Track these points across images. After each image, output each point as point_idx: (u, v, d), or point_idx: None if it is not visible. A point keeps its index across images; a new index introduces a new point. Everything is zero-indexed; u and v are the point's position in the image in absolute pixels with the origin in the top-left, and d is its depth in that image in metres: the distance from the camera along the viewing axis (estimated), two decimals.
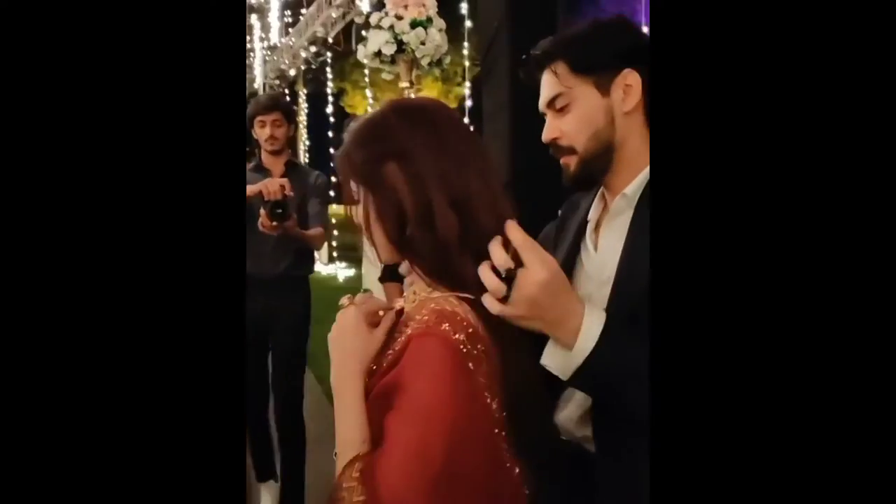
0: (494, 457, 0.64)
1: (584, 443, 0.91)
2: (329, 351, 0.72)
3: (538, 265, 0.64)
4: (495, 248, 0.64)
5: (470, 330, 0.64)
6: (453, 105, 15.56)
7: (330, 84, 6.04)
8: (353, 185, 0.73)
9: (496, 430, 0.65)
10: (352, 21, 4.92)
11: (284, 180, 2.08)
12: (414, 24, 2.77)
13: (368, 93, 5.10)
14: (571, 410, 0.92)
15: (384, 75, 3.11)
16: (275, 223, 1.97)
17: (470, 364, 0.63)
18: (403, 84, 3.01)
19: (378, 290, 2.54)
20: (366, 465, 0.63)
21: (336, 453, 0.66)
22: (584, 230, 0.97)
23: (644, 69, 0.86)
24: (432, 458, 0.59)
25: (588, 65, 0.86)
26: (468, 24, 3.58)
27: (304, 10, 5.92)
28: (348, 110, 15.85)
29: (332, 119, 6.27)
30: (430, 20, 2.82)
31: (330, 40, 5.40)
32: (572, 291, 0.69)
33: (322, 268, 6.82)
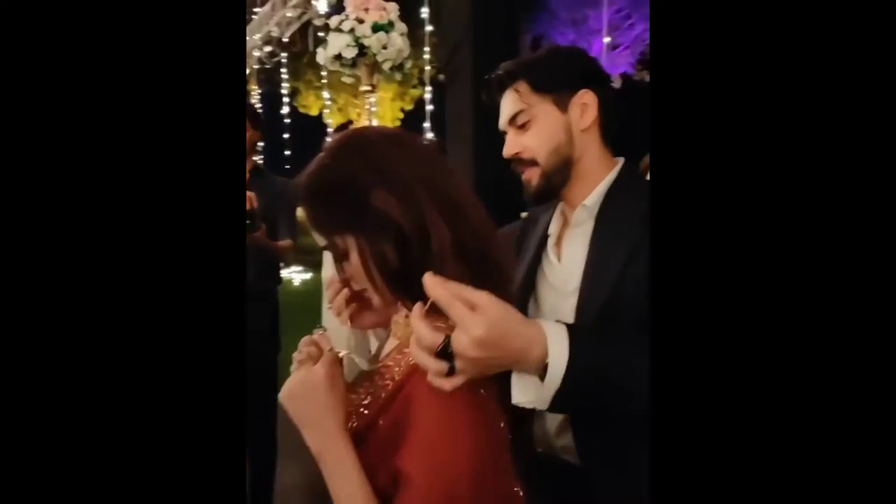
0: (508, 482, 0.64)
1: (562, 454, 0.92)
2: (294, 414, 0.66)
3: (469, 320, 0.58)
4: (419, 327, 0.59)
5: None
6: (409, 107, 15.51)
7: (285, 84, 5.93)
8: (336, 241, 0.68)
9: (508, 456, 0.64)
10: (308, 21, 4.85)
11: (251, 194, 2.04)
12: (376, 28, 2.75)
13: (325, 94, 5.03)
14: (548, 420, 0.93)
15: (344, 78, 3.08)
16: (245, 228, 1.93)
17: (482, 390, 0.62)
18: (364, 87, 2.98)
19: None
20: None
21: None
22: (545, 244, 1.02)
23: (598, 90, 0.95)
24: (460, 497, 0.57)
25: (548, 84, 0.93)
26: (428, 28, 3.59)
27: (257, 9, 5.80)
28: (301, 110, 15.61)
29: (286, 120, 6.17)
30: (391, 24, 2.80)
31: (285, 40, 5.30)
32: (523, 321, 0.63)
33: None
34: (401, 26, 2.85)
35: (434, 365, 0.58)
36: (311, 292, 3.65)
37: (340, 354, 0.73)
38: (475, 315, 0.58)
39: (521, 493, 0.65)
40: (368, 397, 0.68)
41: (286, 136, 6.02)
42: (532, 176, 0.95)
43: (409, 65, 2.98)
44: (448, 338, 0.58)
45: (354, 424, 0.67)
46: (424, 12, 3.44)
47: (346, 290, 0.78)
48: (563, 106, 0.93)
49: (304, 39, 4.89)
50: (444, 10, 2.80)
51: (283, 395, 0.67)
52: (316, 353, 0.71)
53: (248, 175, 2.22)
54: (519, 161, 0.95)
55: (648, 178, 1.80)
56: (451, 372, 0.58)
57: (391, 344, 0.74)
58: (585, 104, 0.93)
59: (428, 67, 3.63)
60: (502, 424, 0.64)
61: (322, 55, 2.88)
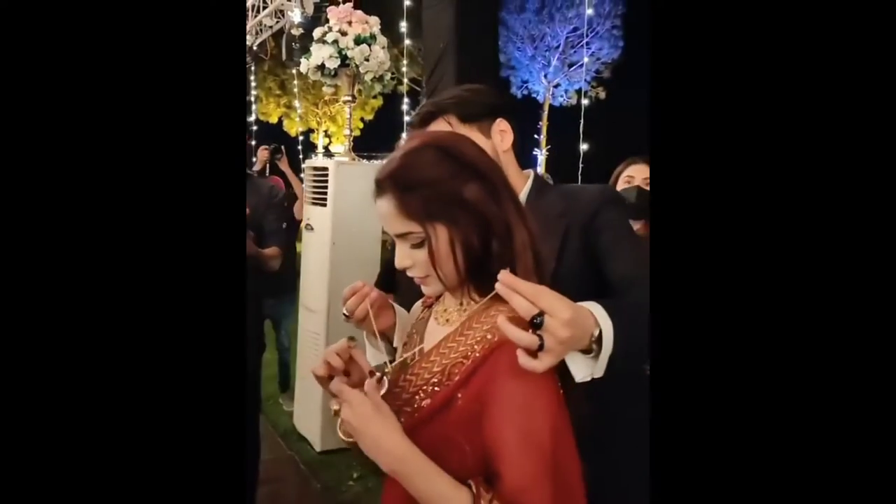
0: (574, 447, 0.73)
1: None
2: (358, 436, 0.71)
3: (559, 307, 0.68)
4: (515, 299, 0.67)
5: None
6: (369, 116, 15.49)
7: (254, 91, 5.91)
8: (415, 228, 0.75)
9: (570, 424, 0.74)
10: (280, 30, 4.88)
11: None
12: (358, 41, 2.83)
13: (296, 103, 5.05)
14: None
15: (325, 88, 3.14)
16: (246, 231, 1.94)
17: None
18: (346, 97, 3.05)
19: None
20: (495, 496, 0.66)
21: None
22: None
23: (509, 118, 1.17)
24: (547, 455, 0.67)
25: (472, 116, 1.14)
26: (407, 42, 3.70)
27: None
28: (261, 118, 15.44)
29: (254, 127, 6.14)
30: (373, 37, 2.89)
31: (255, 48, 5.32)
32: (582, 307, 0.74)
33: None
34: (382, 39, 2.94)
35: (528, 338, 0.66)
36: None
37: (377, 371, 0.78)
38: (561, 300, 0.68)
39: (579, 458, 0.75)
40: (437, 375, 0.76)
41: (253, 142, 5.98)
42: None
43: (388, 77, 3.07)
44: (541, 313, 0.66)
45: (427, 402, 0.75)
46: (403, 26, 3.56)
47: (373, 295, 0.87)
48: (486, 133, 1.14)
49: (277, 48, 4.90)
50: (426, 27, 2.91)
51: (344, 433, 0.72)
52: (340, 364, 0.76)
53: None
54: None
55: (622, 184, 1.92)
56: (539, 348, 0.66)
57: (441, 329, 0.82)
58: (503, 131, 1.15)
59: (406, 80, 3.73)
60: (560, 389, 0.74)
61: (305, 65, 2.94)
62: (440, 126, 1.12)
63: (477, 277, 0.77)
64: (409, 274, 0.80)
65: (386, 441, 0.70)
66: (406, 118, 3.77)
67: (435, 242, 0.75)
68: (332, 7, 2.92)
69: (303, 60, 2.95)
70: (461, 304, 0.81)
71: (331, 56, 2.84)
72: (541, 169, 16.44)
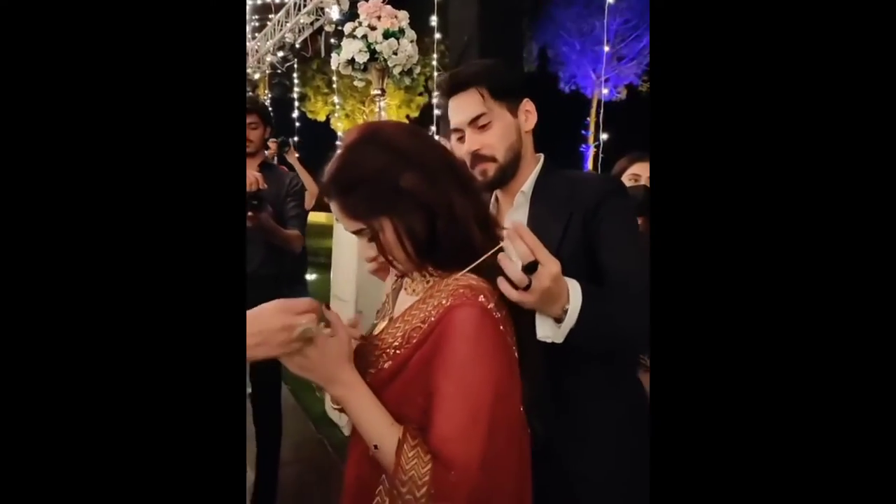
0: (517, 404, 0.77)
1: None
2: (315, 377, 0.76)
3: (551, 261, 0.79)
4: (518, 244, 0.77)
5: (495, 299, 0.77)
6: (414, 114, 15.64)
7: (297, 89, 6.08)
8: (361, 226, 0.79)
9: (518, 382, 0.78)
10: (320, 28, 5.01)
11: (259, 174, 2.13)
12: (387, 35, 2.89)
13: (336, 99, 5.17)
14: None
15: (356, 82, 3.21)
16: (249, 213, 2.01)
17: (501, 326, 0.75)
18: (375, 91, 3.11)
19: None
20: (424, 437, 0.71)
21: (375, 446, 0.74)
22: None
23: (534, 99, 1.17)
24: (483, 413, 0.70)
25: (502, 92, 1.14)
26: (437, 35, 3.74)
27: (271, 16, 5.99)
28: (309, 115, 15.80)
29: (297, 123, 6.31)
30: (402, 31, 2.94)
31: (297, 46, 5.46)
32: (563, 278, 0.84)
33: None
34: (410, 33, 2.99)
35: (519, 275, 0.76)
36: (323, 294, 3.76)
37: (353, 318, 0.85)
38: (553, 258, 0.78)
39: (525, 414, 0.78)
40: (399, 339, 0.80)
41: (296, 139, 6.15)
42: (489, 168, 1.14)
43: (417, 70, 3.12)
44: (536, 262, 0.75)
45: (388, 364, 0.79)
46: (433, 20, 3.59)
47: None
48: (513, 111, 1.15)
49: (316, 45, 5.03)
50: (452, 19, 2.94)
51: (297, 367, 0.76)
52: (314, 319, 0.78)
53: (257, 168, 2.30)
54: (477, 156, 1.13)
55: (627, 181, 1.90)
56: (526, 288, 0.76)
57: (408, 299, 0.86)
58: (528, 111, 1.17)
59: (436, 74, 3.77)
60: (515, 355, 0.77)
61: (335, 59, 3.02)
62: (471, 97, 1.12)
63: (430, 256, 0.81)
64: (385, 258, 0.84)
65: (337, 369, 0.76)
66: (436, 112, 3.82)
67: (382, 235, 0.79)
68: (363, 2, 2.99)
69: (333, 55, 3.03)
70: (424, 276, 0.85)
71: (360, 51, 2.91)
72: (589, 164, 16.19)
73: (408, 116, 15.40)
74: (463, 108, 1.14)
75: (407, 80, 3.11)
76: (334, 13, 4.35)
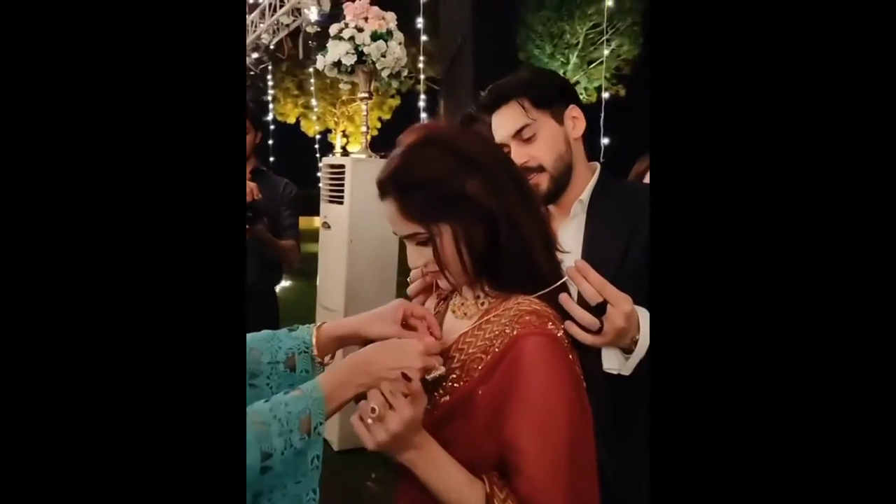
0: (592, 441, 0.70)
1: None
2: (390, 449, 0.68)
3: (621, 299, 0.76)
4: (584, 285, 0.74)
5: (561, 325, 0.70)
6: (386, 116, 15.52)
7: (271, 91, 5.94)
8: (417, 230, 0.73)
9: (589, 414, 0.71)
10: (296, 29, 4.89)
11: (253, 184, 2.05)
12: (375, 37, 2.81)
13: (313, 101, 5.08)
14: None
15: (342, 86, 3.12)
16: (246, 226, 1.94)
17: (570, 356, 0.69)
18: (362, 94, 3.03)
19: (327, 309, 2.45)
20: (510, 492, 0.65)
21: None
22: None
23: (580, 105, 1.11)
24: (564, 454, 0.65)
25: (545, 101, 1.07)
26: (423, 38, 3.67)
27: (246, 16, 5.83)
28: (279, 118, 15.53)
29: (272, 126, 6.16)
30: (390, 33, 2.86)
31: (272, 47, 5.33)
32: (636, 309, 0.80)
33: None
34: (398, 35, 2.91)
35: (589, 318, 0.72)
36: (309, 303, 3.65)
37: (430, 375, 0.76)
38: (622, 295, 0.75)
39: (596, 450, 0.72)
40: (456, 371, 0.73)
41: (270, 142, 6.01)
42: (541, 181, 1.08)
43: (405, 73, 3.04)
44: (605, 302, 0.71)
45: (446, 399, 0.72)
46: (419, 22, 3.53)
47: (426, 278, 0.85)
48: (559, 119, 1.09)
49: (295, 47, 4.91)
50: (443, 22, 2.88)
51: (381, 442, 0.67)
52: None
53: (248, 174, 2.22)
54: (526, 169, 1.07)
55: (642, 180, 1.88)
56: (598, 331, 0.73)
57: (459, 323, 0.79)
58: (575, 117, 1.10)
59: (423, 77, 3.70)
60: (584, 385, 0.71)
61: (321, 62, 2.92)
62: (512, 109, 1.07)
63: (487, 272, 0.74)
64: (423, 271, 0.78)
65: (411, 432, 0.68)
66: (423, 115, 3.76)
67: (440, 242, 0.73)
68: (349, 3, 2.90)
69: (319, 57, 2.93)
70: (478, 296, 0.78)
71: (347, 53, 2.82)
72: None
73: (380, 118, 15.28)
74: (505, 122, 1.08)
75: (395, 84, 3.03)
76: (313, 14, 4.25)
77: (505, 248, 0.72)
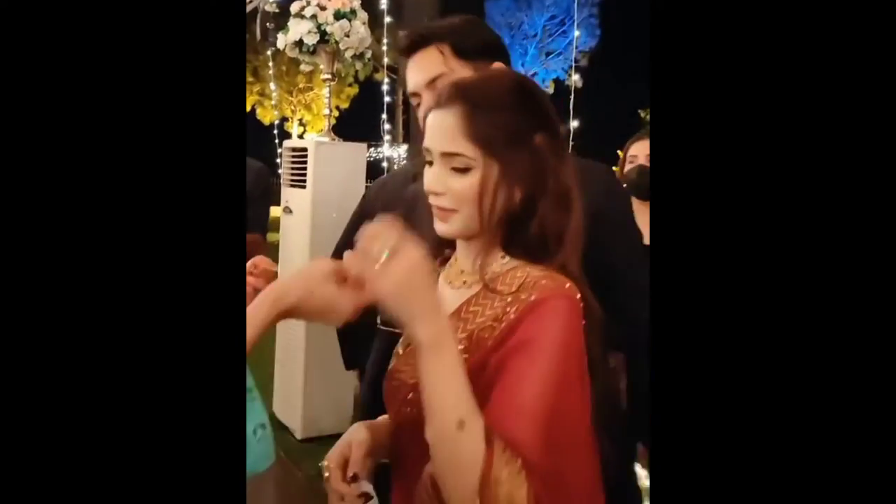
0: (586, 412, 0.68)
1: None
2: (405, 304, 0.60)
3: None
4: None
5: (577, 289, 0.69)
6: (344, 105, 15.29)
7: None
8: (469, 152, 0.67)
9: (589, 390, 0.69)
10: (254, 10, 4.74)
11: None
12: (338, 16, 2.74)
13: (272, 86, 4.95)
14: None
15: (303, 66, 3.04)
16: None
17: (583, 321, 0.67)
18: (325, 76, 2.95)
19: None
20: (509, 444, 0.58)
21: (462, 421, 0.58)
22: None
23: (506, 63, 1.00)
24: (548, 396, 0.61)
25: (468, 52, 0.96)
26: (388, 19, 3.60)
27: None
28: None
29: None
30: (353, 12, 2.80)
31: None
32: None
33: None
34: (363, 15, 2.85)
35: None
36: None
37: None
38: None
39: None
40: (463, 342, 0.68)
41: None
42: None
43: (369, 54, 2.98)
44: None
45: (465, 357, 0.66)
46: (384, 2, 3.46)
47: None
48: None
49: (250, 31, 4.76)
50: (407, 5, 2.83)
51: (391, 285, 0.59)
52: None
53: None
54: None
55: (626, 168, 1.85)
56: None
57: (455, 294, 0.75)
58: None
59: (386, 59, 3.64)
60: (587, 362, 0.69)
61: (281, 40, 2.83)
62: (430, 55, 0.96)
63: (509, 231, 0.71)
64: (434, 202, 0.71)
65: (436, 305, 0.61)
66: (386, 100, 3.68)
67: (480, 173, 0.68)
68: None
69: (280, 36, 2.84)
70: (478, 264, 0.73)
71: (309, 31, 2.74)
72: None
73: (338, 108, 15.04)
74: (421, 67, 0.98)
75: (358, 65, 2.97)
76: None
77: (540, 217, 0.69)
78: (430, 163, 0.71)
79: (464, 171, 0.68)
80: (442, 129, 0.68)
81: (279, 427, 3.10)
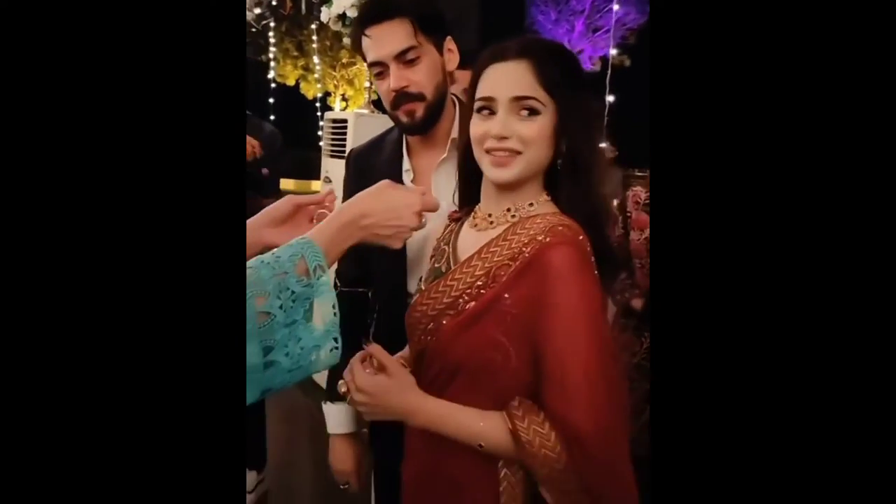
0: (617, 357, 0.76)
1: None
2: (378, 413, 0.77)
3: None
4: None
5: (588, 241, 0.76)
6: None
7: (273, 49, 5.87)
8: (540, 95, 0.75)
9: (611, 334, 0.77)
10: None
11: (254, 141, 1.89)
12: None
13: (315, 59, 5.03)
14: None
15: (346, 41, 3.11)
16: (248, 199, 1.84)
17: (595, 272, 0.74)
18: None
19: None
20: (532, 416, 0.69)
21: (481, 445, 0.72)
22: (399, 167, 1.12)
23: (456, 37, 1.07)
24: (596, 369, 0.68)
25: (432, 27, 1.02)
26: None
27: None
28: (279, 80, 15.23)
29: (272, 85, 6.10)
30: None
31: (274, 3, 5.24)
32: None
33: None
34: None
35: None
36: None
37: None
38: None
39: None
40: (482, 279, 0.75)
41: (271, 100, 5.97)
42: (416, 109, 1.04)
43: None
44: None
45: (471, 305, 0.74)
46: None
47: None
48: (439, 49, 1.04)
49: (296, 6, 4.84)
50: None
51: (364, 412, 0.76)
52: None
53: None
54: (405, 95, 1.03)
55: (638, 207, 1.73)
56: None
57: (478, 236, 0.82)
58: (451, 50, 1.06)
59: None
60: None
61: (325, 14, 2.90)
62: (400, 27, 0.99)
63: (551, 175, 0.79)
64: (497, 146, 0.77)
65: (399, 405, 0.75)
66: None
67: (540, 117, 0.75)
68: None
69: (323, 9, 2.91)
70: (508, 209, 0.80)
71: (352, 5, 2.80)
72: None
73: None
74: (390, 39, 1.00)
75: None
76: None
77: (571, 173, 0.77)
78: (490, 112, 0.78)
79: (532, 115, 0.75)
80: (514, 77, 0.75)
81: (315, 388, 3.24)
